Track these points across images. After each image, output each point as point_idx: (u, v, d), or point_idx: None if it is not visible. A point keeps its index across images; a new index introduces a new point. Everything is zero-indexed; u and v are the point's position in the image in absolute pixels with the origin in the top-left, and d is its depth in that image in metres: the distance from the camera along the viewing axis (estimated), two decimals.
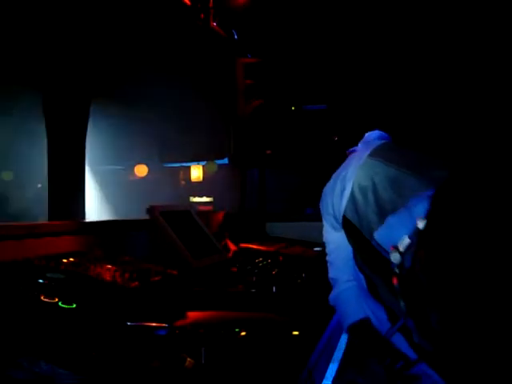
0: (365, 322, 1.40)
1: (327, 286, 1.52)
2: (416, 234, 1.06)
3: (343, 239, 1.40)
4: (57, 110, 3.14)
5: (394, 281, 1.13)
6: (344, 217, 1.34)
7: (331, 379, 1.62)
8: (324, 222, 1.48)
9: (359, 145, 1.47)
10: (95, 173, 8.09)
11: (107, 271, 1.59)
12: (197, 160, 8.75)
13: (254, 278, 2.10)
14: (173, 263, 1.99)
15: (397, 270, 1.12)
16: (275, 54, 4.39)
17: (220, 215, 3.30)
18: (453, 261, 0.97)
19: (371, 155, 1.33)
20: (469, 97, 4.28)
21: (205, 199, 8.48)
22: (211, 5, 3.79)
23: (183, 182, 9.22)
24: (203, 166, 8.85)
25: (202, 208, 6.02)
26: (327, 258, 1.52)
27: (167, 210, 2.37)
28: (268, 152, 4.36)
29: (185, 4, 3.57)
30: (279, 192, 5.41)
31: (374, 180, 1.27)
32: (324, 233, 1.50)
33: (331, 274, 1.51)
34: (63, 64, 3.11)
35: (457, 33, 4.25)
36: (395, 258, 1.12)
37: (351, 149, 1.47)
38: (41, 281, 1.41)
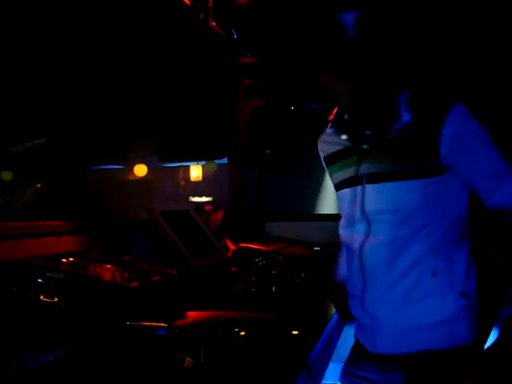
0: None
1: (326, 285, 1.51)
2: None
3: None
4: (56, 109, 3.14)
5: None
6: None
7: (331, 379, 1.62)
8: None
9: None
10: (95, 172, 8.09)
11: (107, 271, 1.59)
12: (197, 160, 8.75)
13: (254, 278, 2.10)
14: (172, 263, 1.99)
15: None
16: (275, 54, 4.38)
17: (219, 215, 3.29)
18: None
19: None
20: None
21: (204, 199, 8.48)
22: (210, 4, 3.78)
23: (183, 182, 9.22)
24: (203, 166, 8.86)
25: None
26: None
27: (167, 210, 2.37)
28: (268, 152, 4.35)
29: (184, 4, 3.56)
30: (279, 192, 5.41)
31: None
32: None
33: None
34: (63, 65, 3.11)
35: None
36: None
37: None
38: (40, 280, 1.41)
